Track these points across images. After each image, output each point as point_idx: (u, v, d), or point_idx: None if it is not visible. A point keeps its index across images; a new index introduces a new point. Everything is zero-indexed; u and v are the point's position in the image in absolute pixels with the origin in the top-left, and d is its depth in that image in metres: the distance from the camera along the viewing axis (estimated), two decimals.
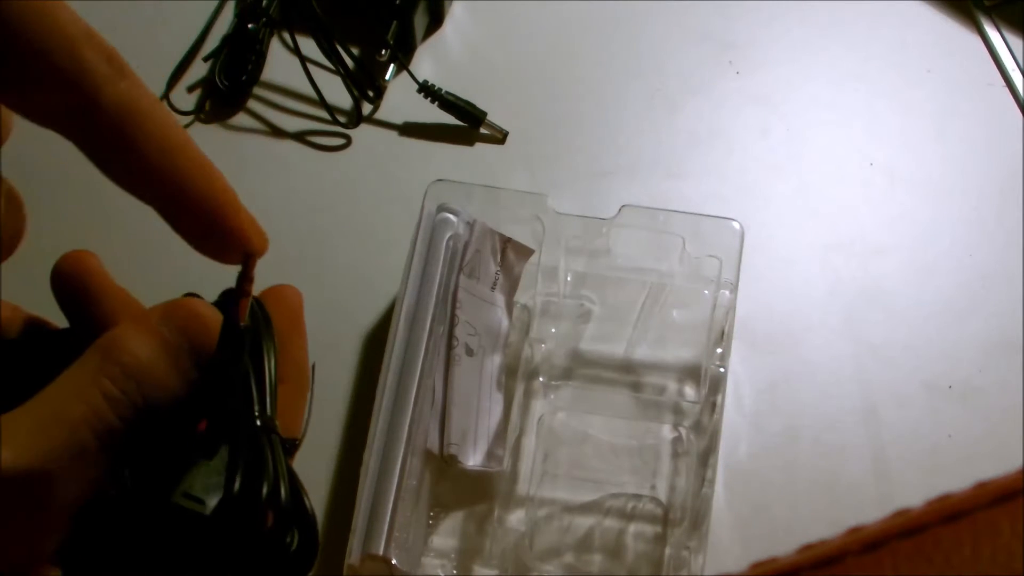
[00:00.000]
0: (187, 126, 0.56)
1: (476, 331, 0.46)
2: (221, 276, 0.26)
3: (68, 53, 0.22)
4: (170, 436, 0.23)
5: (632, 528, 0.45)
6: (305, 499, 0.24)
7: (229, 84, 0.56)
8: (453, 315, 0.45)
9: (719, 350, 0.46)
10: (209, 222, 0.24)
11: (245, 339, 0.25)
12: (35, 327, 0.27)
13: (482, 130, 0.56)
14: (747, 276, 0.47)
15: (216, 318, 0.24)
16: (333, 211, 0.54)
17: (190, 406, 0.24)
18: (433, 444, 0.43)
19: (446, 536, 0.45)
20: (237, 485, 0.22)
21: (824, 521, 0.46)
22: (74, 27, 0.22)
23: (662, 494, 0.46)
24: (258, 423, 0.24)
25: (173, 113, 0.23)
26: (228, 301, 0.25)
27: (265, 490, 0.23)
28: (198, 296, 0.25)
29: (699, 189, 0.55)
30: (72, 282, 0.27)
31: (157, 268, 0.47)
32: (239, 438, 0.23)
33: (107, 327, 0.24)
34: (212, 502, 0.22)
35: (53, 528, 0.22)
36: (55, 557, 0.22)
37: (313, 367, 0.28)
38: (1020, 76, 0.58)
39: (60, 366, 0.23)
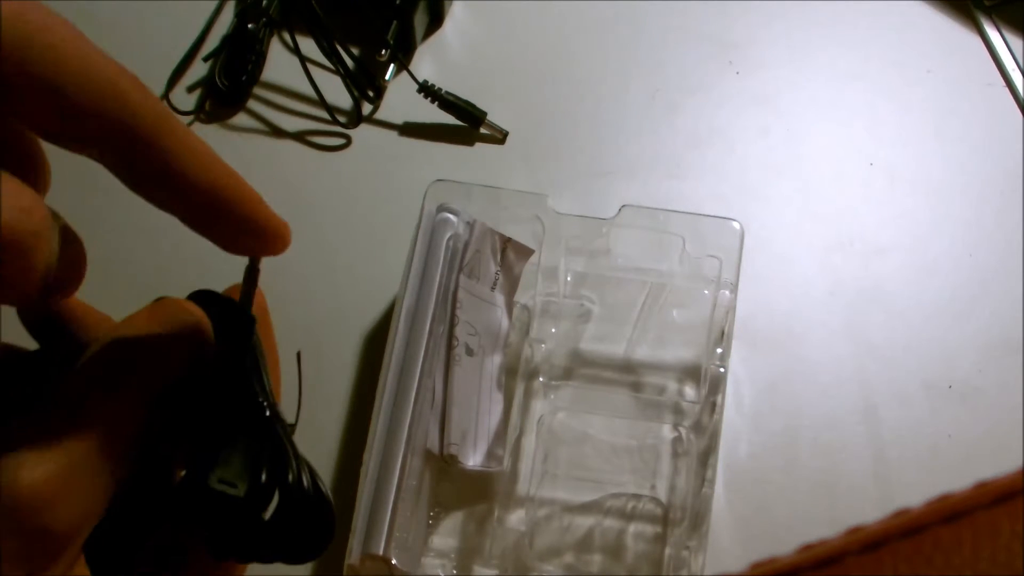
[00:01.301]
0: (187, 126, 0.56)
1: (476, 331, 0.46)
2: (190, 278, 0.26)
3: (112, 94, 0.22)
4: (188, 426, 0.24)
5: (632, 528, 0.45)
6: (321, 485, 0.26)
7: (229, 84, 0.56)
8: (453, 315, 0.45)
9: (719, 350, 0.46)
10: (242, 222, 0.25)
11: (255, 328, 0.26)
12: (4, 351, 0.27)
13: (482, 130, 0.56)
14: (747, 276, 0.47)
15: (199, 312, 0.25)
16: (333, 211, 0.54)
17: (200, 397, 0.25)
18: (433, 444, 0.43)
19: (446, 536, 0.45)
20: (264, 475, 0.24)
21: (824, 521, 0.46)
22: (109, 64, 0.22)
23: (662, 494, 0.46)
24: (267, 412, 0.25)
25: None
26: (201, 299, 0.26)
27: (291, 477, 0.24)
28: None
29: (699, 189, 0.55)
30: (39, 306, 0.27)
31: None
32: (256, 428, 0.25)
33: (81, 342, 0.24)
34: (242, 485, 0.23)
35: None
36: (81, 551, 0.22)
37: (299, 356, 0.29)
38: (1020, 76, 0.58)
39: (37, 385, 0.23)
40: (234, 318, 0.26)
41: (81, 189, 0.26)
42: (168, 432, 0.24)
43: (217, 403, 0.25)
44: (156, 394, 0.23)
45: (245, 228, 0.24)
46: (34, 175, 0.24)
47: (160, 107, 0.23)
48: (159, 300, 0.26)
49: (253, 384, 0.26)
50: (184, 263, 0.51)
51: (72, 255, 0.23)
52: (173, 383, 0.24)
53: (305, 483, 0.25)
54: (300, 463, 0.25)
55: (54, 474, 0.21)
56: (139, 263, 0.52)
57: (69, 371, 0.23)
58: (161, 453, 0.24)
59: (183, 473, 0.24)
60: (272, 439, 0.25)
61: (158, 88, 0.57)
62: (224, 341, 0.26)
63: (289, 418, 0.27)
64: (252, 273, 0.26)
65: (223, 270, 0.28)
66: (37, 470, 0.21)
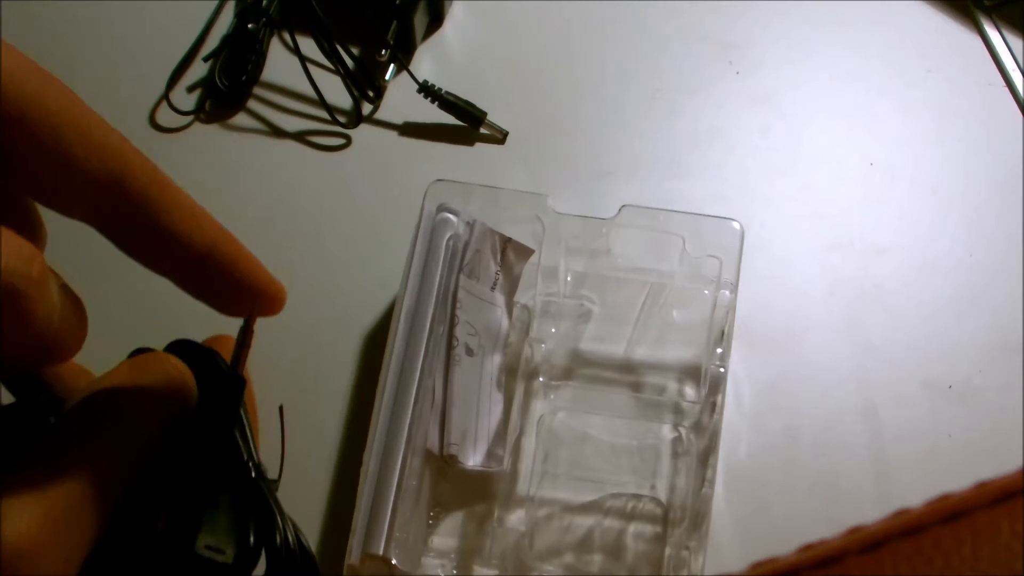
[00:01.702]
0: (187, 126, 0.56)
1: (476, 331, 0.46)
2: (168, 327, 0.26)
3: (107, 151, 0.22)
4: (173, 487, 0.24)
5: (632, 528, 0.45)
6: (304, 541, 0.26)
7: (229, 84, 0.56)
8: (453, 315, 0.45)
9: (719, 350, 0.46)
10: (238, 283, 0.24)
11: (243, 389, 0.26)
12: None
13: (482, 130, 0.56)
14: (747, 276, 0.47)
15: (181, 366, 0.25)
16: (333, 211, 0.54)
17: (182, 452, 0.24)
18: (433, 444, 0.43)
19: (446, 536, 0.45)
20: (252, 538, 0.24)
21: (824, 521, 0.46)
22: (101, 122, 0.22)
23: (662, 494, 0.46)
24: (253, 473, 0.25)
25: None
26: (181, 350, 0.26)
27: (278, 539, 0.24)
28: (151, 349, 0.26)
29: (699, 189, 0.55)
30: (39, 365, 0.26)
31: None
32: (242, 488, 0.25)
33: (59, 396, 0.24)
34: (230, 550, 0.23)
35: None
36: None
37: (281, 410, 0.29)
38: (1020, 76, 0.58)
39: (15, 439, 0.23)
40: (215, 371, 0.26)
41: (59, 241, 0.26)
42: (150, 484, 0.23)
43: (200, 461, 0.24)
44: (138, 448, 0.23)
45: (241, 289, 0.24)
46: (32, 237, 0.23)
47: (153, 166, 0.23)
48: (140, 353, 0.25)
49: (238, 443, 0.25)
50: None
51: (73, 311, 0.23)
52: (155, 436, 0.23)
53: (291, 542, 0.25)
54: (286, 522, 0.25)
55: (36, 528, 0.21)
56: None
57: (50, 424, 0.23)
58: (142, 506, 0.24)
59: (164, 529, 0.24)
60: (258, 500, 0.24)
61: (158, 88, 0.57)
62: (205, 394, 0.25)
63: (271, 473, 0.27)
64: (246, 334, 0.26)
65: (195, 318, 0.27)
66: (20, 523, 0.20)
